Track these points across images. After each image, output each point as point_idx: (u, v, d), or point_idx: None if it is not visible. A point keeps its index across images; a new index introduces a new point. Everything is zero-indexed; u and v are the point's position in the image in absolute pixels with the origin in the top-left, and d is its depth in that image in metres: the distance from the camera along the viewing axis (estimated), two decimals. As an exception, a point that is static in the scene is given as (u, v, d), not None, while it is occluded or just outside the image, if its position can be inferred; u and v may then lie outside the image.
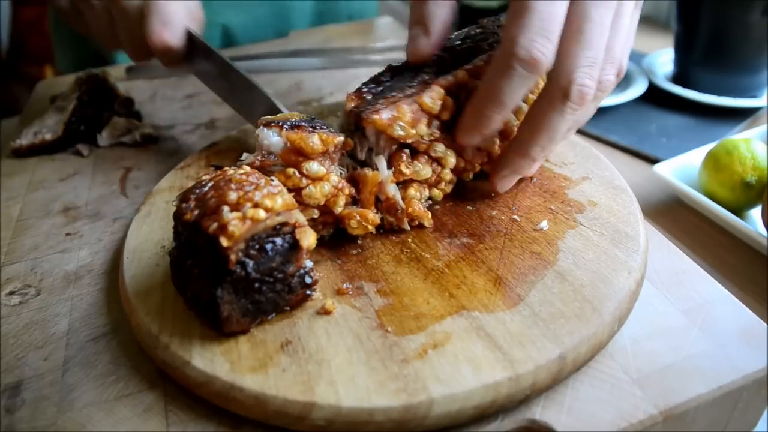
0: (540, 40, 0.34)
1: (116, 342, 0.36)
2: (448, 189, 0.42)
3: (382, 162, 0.39)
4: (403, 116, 0.37)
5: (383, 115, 0.37)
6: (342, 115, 0.40)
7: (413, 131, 0.38)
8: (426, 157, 0.40)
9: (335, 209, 0.37)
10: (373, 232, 0.39)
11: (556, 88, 0.36)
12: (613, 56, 0.38)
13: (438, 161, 0.40)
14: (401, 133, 0.37)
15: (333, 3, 0.94)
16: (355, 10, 0.95)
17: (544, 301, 0.33)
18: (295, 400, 0.29)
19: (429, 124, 0.39)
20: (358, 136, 0.39)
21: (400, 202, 0.39)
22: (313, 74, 0.73)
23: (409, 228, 0.40)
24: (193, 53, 0.50)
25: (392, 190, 0.39)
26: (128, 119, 0.60)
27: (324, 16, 0.94)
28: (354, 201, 0.39)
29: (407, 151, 0.39)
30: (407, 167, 0.39)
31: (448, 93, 0.39)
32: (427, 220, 0.40)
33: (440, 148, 0.40)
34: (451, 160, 0.40)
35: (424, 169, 0.40)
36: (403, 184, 0.40)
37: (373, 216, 0.38)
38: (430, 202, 0.42)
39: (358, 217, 0.38)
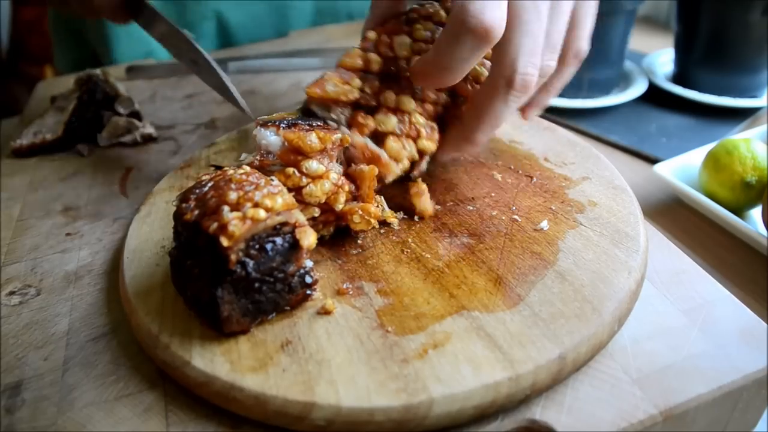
0: (490, 5, 0.33)
1: (116, 342, 0.36)
2: (435, 137, 0.42)
3: (341, 128, 0.39)
4: (331, 79, 0.39)
5: (314, 87, 0.39)
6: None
7: (346, 87, 0.39)
8: (384, 109, 0.40)
9: (336, 206, 0.37)
10: (376, 226, 0.39)
11: (500, 77, 0.37)
12: (552, 43, 0.38)
13: (400, 111, 0.40)
14: (334, 89, 0.38)
15: (333, 2, 0.94)
16: (355, 10, 0.95)
17: (544, 301, 0.33)
18: (295, 400, 0.29)
19: (363, 80, 0.40)
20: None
21: (375, 147, 0.39)
22: (313, 74, 0.73)
23: (398, 172, 0.40)
24: (137, 11, 0.53)
25: (360, 139, 0.39)
26: (128, 119, 0.60)
27: (324, 14, 0.94)
28: (354, 198, 0.39)
29: (362, 111, 0.40)
30: (364, 119, 0.39)
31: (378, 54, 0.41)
32: (423, 206, 0.41)
33: (391, 97, 0.40)
34: (410, 104, 0.40)
35: (387, 118, 0.39)
36: (381, 141, 0.40)
37: (375, 210, 0.38)
38: (427, 159, 0.42)
39: (360, 212, 0.38)
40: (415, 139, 0.41)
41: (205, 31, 0.87)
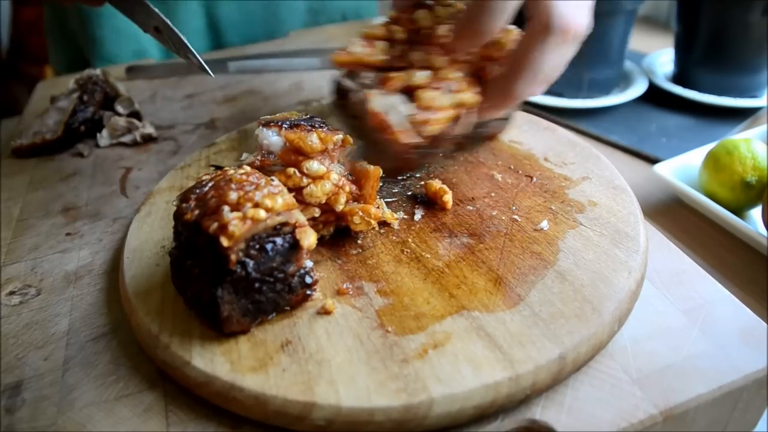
0: None
1: (116, 342, 0.36)
2: (474, 90, 0.40)
3: (369, 92, 0.39)
4: (356, 44, 0.40)
5: (339, 53, 0.40)
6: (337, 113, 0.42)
7: (369, 50, 0.40)
8: (414, 67, 0.40)
9: (336, 207, 0.37)
10: (376, 227, 0.39)
11: (537, 23, 0.36)
12: None
13: (429, 68, 0.40)
14: (359, 50, 0.39)
15: (326, 2, 0.93)
16: (349, 10, 0.95)
17: (544, 301, 0.33)
18: (295, 400, 0.29)
19: (388, 46, 0.40)
20: (345, 102, 0.40)
21: (387, 117, 0.38)
22: (313, 74, 0.73)
23: (412, 137, 0.38)
24: None
25: (378, 106, 0.38)
26: (128, 119, 0.60)
27: (318, 14, 0.93)
28: (355, 199, 0.39)
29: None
30: (394, 75, 0.39)
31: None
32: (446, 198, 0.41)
33: (419, 55, 0.40)
34: (441, 61, 0.40)
35: (416, 74, 0.39)
36: (414, 97, 0.39)
37: (375, 211, 0.38)
38: (472, 120, 0.41)
39: (360, 213, 0.38)
40: (456, 92, 0.40)
41: (195, 30, 0.86)
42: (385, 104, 0.38)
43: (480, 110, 0.41)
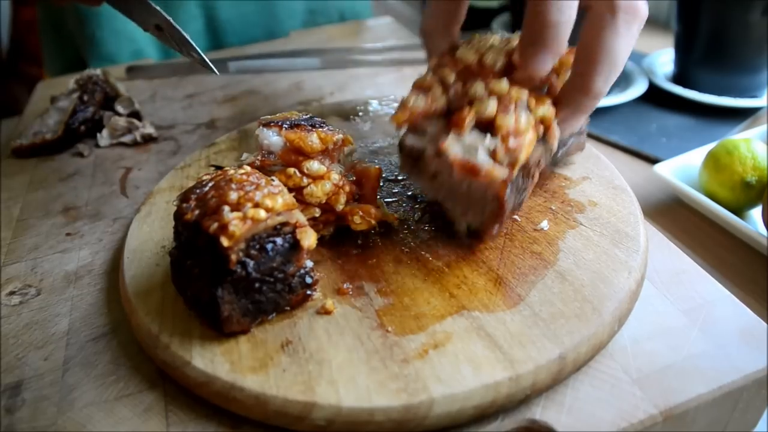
0: None
1: (116, 342, 0.36)
2: (547, 102, 0.37)
3: (442, 141, 0.35)
4: (410, 98, 0.37)
5: (397, 113, 0.37)
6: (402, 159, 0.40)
7: (426, 98, 0.37)
8: (478, 100, 0.37)
9: (337, 207, 0.37)
10: (376, 227, 0.39)
11: (601, 5, 0.34)
12: None
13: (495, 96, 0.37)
14: (419, 103, 0.37)
15: (324, 2, 0.93)
16: (347, 10, 0.95)
17: (544, 301, 0.33)
18: (296, 400, 0.29)
19: (444, 88, 0.38)
20: (419, 164, 0.38)
21: (473, 159, 0.34)
22: (313, 74, 0.73)
23: (501, 173, 0.34)
24: None
25: (458, 151, 0.34)
26: (128, 119, 0.60)
27: (316, 14, 0.93)
28: (355, 199, 0.39)
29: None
30: (462, 112, 0.36)
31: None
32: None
33: (480, 86, 0.37)
34: (503, 85, 0.36)
35: (486, 102, 0.35)
36: (492, 128, 0.35)
37: (375, 211, 0.38)
38: (558, 131, 0.38)
39: (361, 213, 0.38)
40: (533, 108, 0.36)
41: (194, 31, 0.86)
42: (465, 147, 0.35)
43: (561, 120, 0.38)
